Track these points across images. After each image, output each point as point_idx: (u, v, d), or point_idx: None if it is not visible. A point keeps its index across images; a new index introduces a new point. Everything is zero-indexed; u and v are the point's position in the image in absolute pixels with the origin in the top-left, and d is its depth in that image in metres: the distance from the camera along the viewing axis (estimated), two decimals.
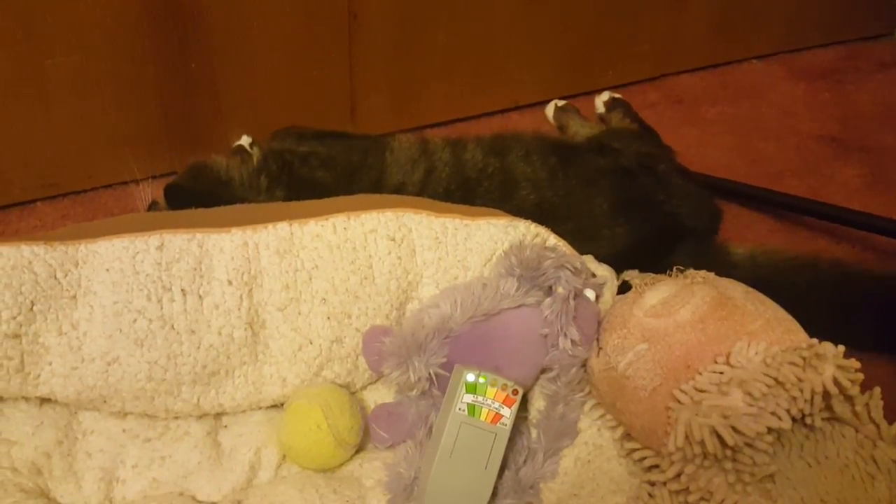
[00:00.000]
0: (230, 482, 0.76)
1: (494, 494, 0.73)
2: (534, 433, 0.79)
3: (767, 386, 0.63)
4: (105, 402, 0.74)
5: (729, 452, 0.64)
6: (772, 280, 0.94)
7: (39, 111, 1.05)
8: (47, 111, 1.05)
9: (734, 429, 0.62)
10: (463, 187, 0.97)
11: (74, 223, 1.09)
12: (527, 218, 0.86)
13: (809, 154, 1.33)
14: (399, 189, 0.96)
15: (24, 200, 1.12)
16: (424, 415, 0.77)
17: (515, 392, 0.73)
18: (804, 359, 0.64)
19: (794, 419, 0.64)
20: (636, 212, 0.97)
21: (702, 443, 0.63)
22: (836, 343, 0.66)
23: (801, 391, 0.63)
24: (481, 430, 0.71)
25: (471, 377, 0.72)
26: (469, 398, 0.72)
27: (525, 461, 0.76)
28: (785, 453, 0.68)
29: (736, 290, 0.74)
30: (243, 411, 0.80)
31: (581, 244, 0.87)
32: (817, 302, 0.92)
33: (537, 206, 0.95)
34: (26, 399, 0.75)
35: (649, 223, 0.97)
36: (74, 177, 1.13)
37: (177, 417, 0.78)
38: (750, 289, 0.75)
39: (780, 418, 0.63)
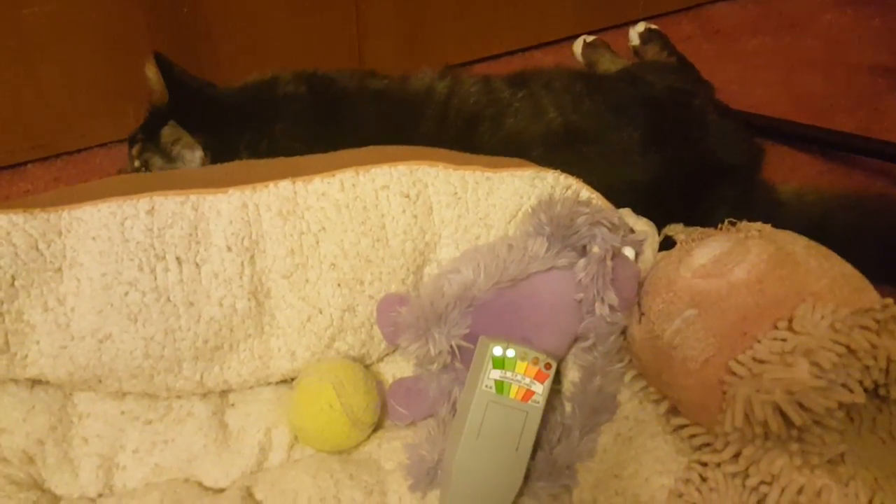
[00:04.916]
0: (239, 466, 0.72)
1: (526, 477, 0.67)
2: (568, 408, 0.72)
3: (837, 354, 0.56)
4: (100, 382, 0.70)
5: (794, 432, 0.56)
6: (823, 220, 0.92)
7: (22, 66, 0.99)
8: (31, 66, 0.99)
9: (801, 405, 0.55)
10: (493, 104, 0.92)
11: (68, 186, 1.03)
12: (555, 140, 0.80)
13: (860, 87, 1.25)
14: (428, 88, 0.93)
15: (14, 163, 1.07)
16: (447, 390, 0.71)
17: (548, 366, 0.66)
18: (878, 322, 0.57)
19: (866, 391, 0.57)
20: (669, 142, 0.91)
21: (764, 422, 0.56)
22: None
23: (876, 359, 0.56)
24: (511, 409, 0.65)
25: (498, 350, 0.65)
26: (497, 374, 0.65)
27: (559, 439, 0.70)
28: (855, 429, 0.62)
29: (796, 244, 0.66)
30: (251, 388, 0.76)
31: (611, 170, 0.83)
32: (872, 241, 0.88)
33: (564, 126, 0.90)
34: (15, 382, 0.71)
35: (685, 155, 0.91)
36: (66, 136, 1.08)
37: (179, 397, 0.74)
38: (812, 242, 0.67)
39: (851, 391, 0.56)
